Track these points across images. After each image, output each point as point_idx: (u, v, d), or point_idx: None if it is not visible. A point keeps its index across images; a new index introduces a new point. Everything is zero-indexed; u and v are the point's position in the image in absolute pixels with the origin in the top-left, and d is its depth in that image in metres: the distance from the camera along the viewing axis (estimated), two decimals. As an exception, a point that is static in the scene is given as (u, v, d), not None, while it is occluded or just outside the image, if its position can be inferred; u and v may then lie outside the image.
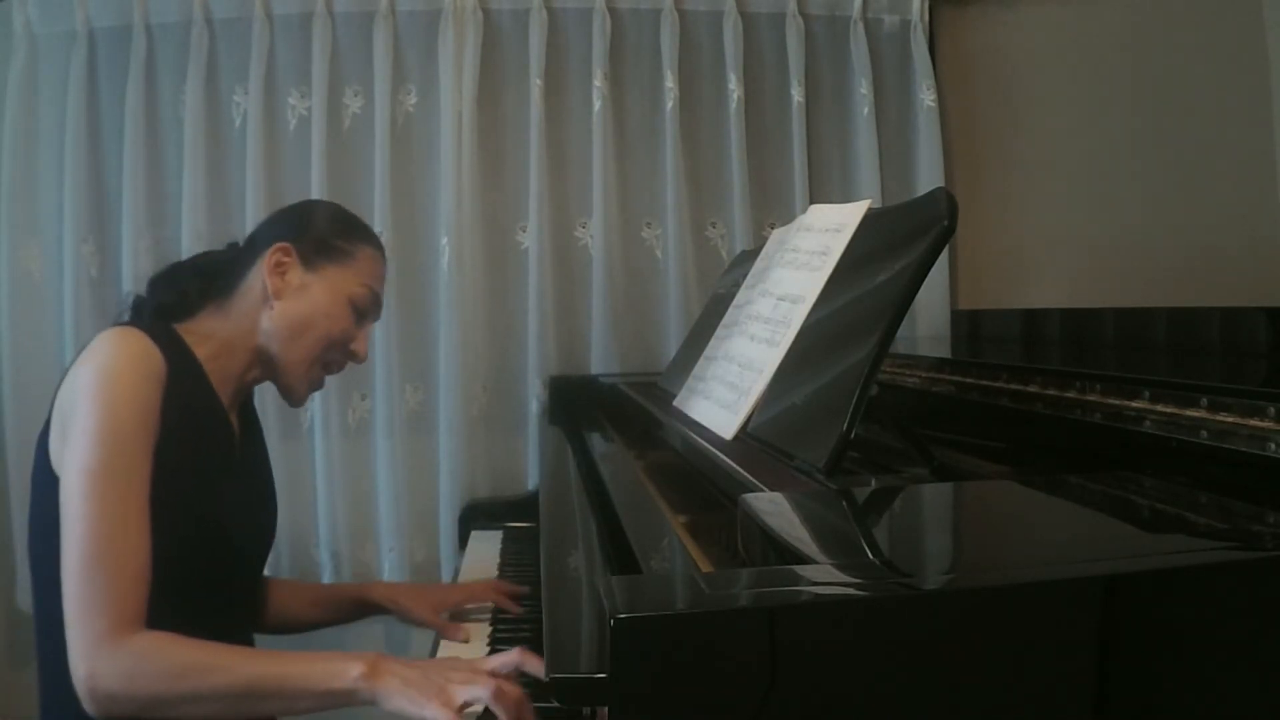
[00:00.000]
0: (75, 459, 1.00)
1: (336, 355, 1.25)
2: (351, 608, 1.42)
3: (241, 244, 1.29)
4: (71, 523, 0.98)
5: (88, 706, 0.95)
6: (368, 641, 1.54)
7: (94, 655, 0.94)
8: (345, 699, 0.96)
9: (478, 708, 0.92)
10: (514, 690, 0.93)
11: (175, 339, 1.14)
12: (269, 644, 1.22)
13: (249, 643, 1.24)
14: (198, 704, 0.95)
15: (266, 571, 1.38)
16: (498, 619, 1.36)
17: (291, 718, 1.05)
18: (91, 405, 1.01)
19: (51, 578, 1.00)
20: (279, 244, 1.20)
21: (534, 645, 1.17)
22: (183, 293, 1.22)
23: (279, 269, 1.20)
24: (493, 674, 0.95)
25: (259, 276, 1.20)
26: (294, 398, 1.25)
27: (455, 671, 0.96)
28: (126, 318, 1.23)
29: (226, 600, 1.17)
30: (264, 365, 1.22)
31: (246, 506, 1.21)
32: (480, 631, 1.33)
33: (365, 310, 1.26)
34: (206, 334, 1.18)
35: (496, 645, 1.21)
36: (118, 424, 1.00)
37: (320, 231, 1.24)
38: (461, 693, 0.92)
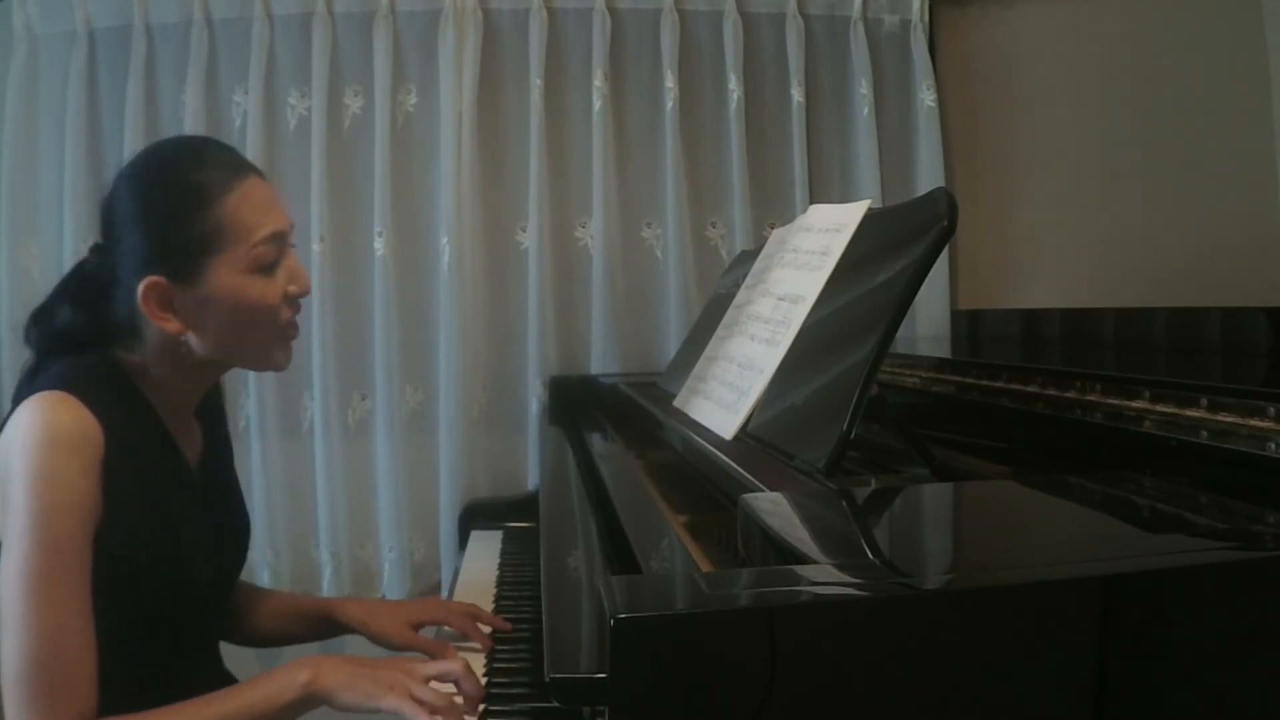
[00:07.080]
0: (12, 560, 0.91)
1: (285, 307, 1.08)
2: (317, 624, 1.28)
3: (100, 253, 1.09)
4: (10, 625, 0.90)
5: None
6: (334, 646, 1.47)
7: None
8: (300, 708, 0.96)
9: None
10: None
11: (113, 379, 1.02)
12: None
13: (216, 662, 1.18)
14: None
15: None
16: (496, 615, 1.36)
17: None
18: (25, 504, 0.91)
19: None
20: (144, 282, 1.00)
21: (534, 645, 1.17)
22: (72, 326, 1.05)
23: (164, 306, 1.01)
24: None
25: (151, 320, 1.02)
26: (276, 367, 1.11)
27: (408, 666, 0.99)
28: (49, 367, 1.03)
29: (190, 631, 1.09)
30: (217, 369, 1.10)
31: (213, 535, 1.11)
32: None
33: (273, 259, 1.05)
34: (139, 364, 1.05)
35: (495, 646, 1.20)
36: (54, 528, 0.91)
37: (169, 236, 1.02)
38: (421, 690, 0.95)
